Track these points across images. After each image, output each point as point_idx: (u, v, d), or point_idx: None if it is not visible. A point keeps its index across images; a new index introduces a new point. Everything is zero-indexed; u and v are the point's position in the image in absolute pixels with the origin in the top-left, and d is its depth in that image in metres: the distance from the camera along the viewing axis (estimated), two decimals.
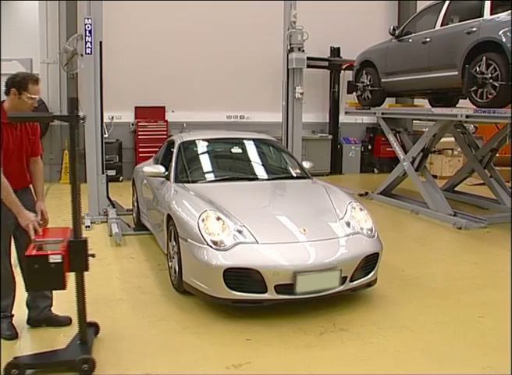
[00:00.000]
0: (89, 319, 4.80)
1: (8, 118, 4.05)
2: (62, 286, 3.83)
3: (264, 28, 12.85)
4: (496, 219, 9.10)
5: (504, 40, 7.62)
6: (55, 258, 3.75)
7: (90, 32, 8.15)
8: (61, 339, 4.40)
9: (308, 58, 10.18)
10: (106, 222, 8.31)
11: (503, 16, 7.87)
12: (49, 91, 12.83)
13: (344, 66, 14.42)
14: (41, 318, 4.62)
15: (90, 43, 8.17)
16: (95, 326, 4.49)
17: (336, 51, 14.90)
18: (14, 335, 4.41)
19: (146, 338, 4.50)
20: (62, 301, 4.73)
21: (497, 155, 10.67)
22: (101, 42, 8.28)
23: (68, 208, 9.92)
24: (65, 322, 4.66)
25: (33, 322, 4.63)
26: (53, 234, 4.24)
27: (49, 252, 3.81)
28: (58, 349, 4.12)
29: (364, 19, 14.93)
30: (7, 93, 4.24)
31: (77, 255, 3.93)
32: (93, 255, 4.10)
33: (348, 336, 4.60)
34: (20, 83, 4.23)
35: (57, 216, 8.97)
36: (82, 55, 8.52)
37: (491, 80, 7.89)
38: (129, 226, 8.21)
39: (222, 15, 13.31)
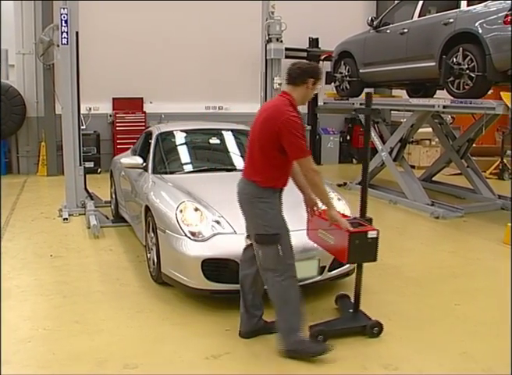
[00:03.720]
0: (67, 311, 4.81)
1: (324, 109, 4.18)
2: (375, 259, 4.22)
3: (242, 19, 12.81)
4: (472, 208, 9.21)
5: (480, 31, 7.68)
6: (372, 234, 4.15)
7: (66, 22, 8.04)
8: None
9: (287, 49, 10.20)
10: (84, 214, 8.25)
11: (480, 7, 7.93)
12: (25, 81, 12.68)
13: (323, 57, 14.42)
14: (258, 328, 4.37)
15: (67, 33, 8.06)
16: (348, 298, 4.82)
17: (314, 42, 14.90)
18: (326, 346, 4.07)
19: (125, 330, 4.49)
20: None
21: (474, 145, 10.78)
22: (77, 32, 8.17)
23: (46, 200, 9.87)
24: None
25: (249, 333, 4.35)
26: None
27: (368, 229, 4.18)
28: (340, 317, 4.62)
29: (343, 10, 14.95)
30: (299, 83, 4.02)
31: None
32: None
33: None
34: (318, 72, 4.08)
35: (35, 209, 8.94)
36: (58, 46, 8.43)
37: (467, 71, 7.96)
38: (108, 218, 8.16)
39: (200, 5, 13.21)
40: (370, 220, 4.45)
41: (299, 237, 4.98)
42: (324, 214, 4.31)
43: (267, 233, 4.01)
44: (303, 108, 15.04)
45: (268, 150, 3.95)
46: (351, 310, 4.58)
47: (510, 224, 7.24)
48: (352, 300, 4.65)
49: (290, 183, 6.23)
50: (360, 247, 4.08)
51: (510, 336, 4.34)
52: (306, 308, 4.72)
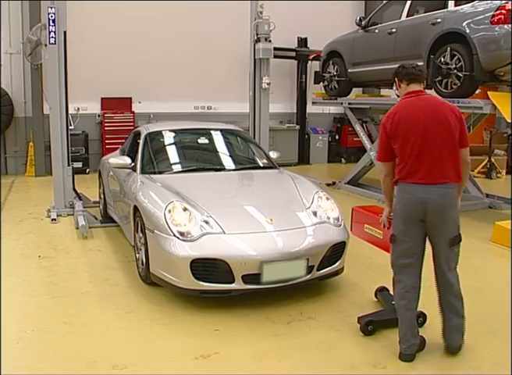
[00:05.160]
0: (55, 312, 4.79)
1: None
2: None
3: (231, 18, 12.82)
4: (460, 207, 9.20)
5: (468, 31, 7.72)
6: None
7: (53, 21, 8.00)
8: None
9: (275, 49, 10.21)
10: (73, 214, 8.22)
11: (467, 7, 7.97)
12: (13, 81, 12.60)
13: (311, 57, 14.49)
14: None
15: (54, 33, 8.01)
16: (387, 290, 4.96)
17: (303, 42, 14.95)
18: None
19: (113, 330, 4.47)
20: None
21: None
22: (65, 32, 8.13)
23: (34, 201, 9.80)
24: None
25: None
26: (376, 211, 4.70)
27: None
28: (384, 309, 4.71)
29: (331, 10, 15.00)
30: (423, 81, 4.19)
31: None
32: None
33: (316, 324, 4.64)
34: None
35: (23, 209, 8.89)
36: (46, 45, 8.37)
37: (455, 71, 8.00)
38: (96, 219, 8.13)
39: (189, 4, 13.19)
40: None
41: (286, 236, 5.03)
42: (370, 210, 4.62)
43: (459, 231, 4.20)
44: (291, 108, 15.27)
45: (457, 144, 3.97)
46: (393, 302, 4.62)
47: (501, 223, 7.30)
48: (391, 292, 4.76)
49: (269, 180, 6.32)
50: None
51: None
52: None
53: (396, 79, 4.21)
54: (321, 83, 11.84)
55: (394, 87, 4.42)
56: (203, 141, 7.18)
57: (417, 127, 3.91)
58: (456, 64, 7.97)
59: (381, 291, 5.08)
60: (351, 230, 4.85)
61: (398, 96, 4.52)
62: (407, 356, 4.04)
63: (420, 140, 3.89)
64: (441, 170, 3.92)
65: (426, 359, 4.06)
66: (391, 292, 4.85)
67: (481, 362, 4.04)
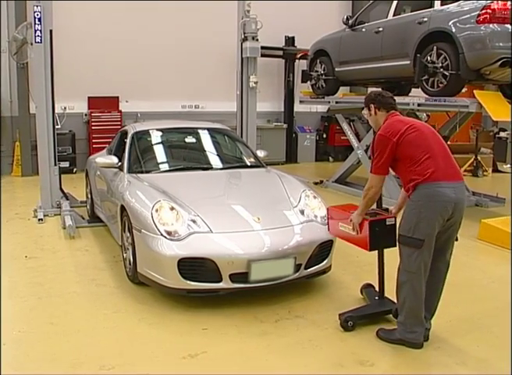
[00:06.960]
0: (42, 313, 4.76)
1: None
2: (394, 244, 4.35)
3: (218, 17, 12.79)
4: None
5: (454, 30, 7.77)
6: (390, 221, 4.39)
7: (39, 20, 7.94)
8: None
9: (263, 48, 10.21)
10: (59, 214, 8.17)
11: (453, 6, 8.03)
12: None
13: (299, 56, 14.50)
14: None
15: (40, 31, 7.95)
16: (373, 287, 5.06)
17: (290, 41, 14.96)
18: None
19: (101, 331, 4.46)
20: None
21: (448, 142, 10.88)
22: (51, 30, 8.07)
23: (21, 201, 9.71)
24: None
25: None
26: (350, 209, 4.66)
27: (386, 216, 4.42)
28: (367, 304, 4.87)
29: (319, 9, 15.01)
30: None
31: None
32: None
33: (303, 323, 4.64)
34: None
35: (9, 210, 8.83)
36: (32, 44, 8.32)
37: (441, 70, 8.04)
38: (83, 219, 8.09)
39: (176, 4, 13.14)
40: (386, 210, 4.63)
41: (273, 235, 5.04)
42: (345, 208, 4.70)
43: None
44: (279, 107, 15.28)
45: None
46: (377, 297, 4.79)
47: (487, 221, 7.35)
48: (376, 289, 4.90)
49: (256, 179, 6.33)
50: (380, 234, 4.30)
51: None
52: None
53: (372, 105, 4.33)
54: (309, 82, 11.85)
55: (365, 112, 4.46)
56: (190, 140, 7.18)
57: (426, 129, 4.15)
58: (442, 63, 8.01)
59: (366, 287, 5.12)
60: (328, 229, 4.85)
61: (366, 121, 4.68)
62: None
63: (435, 141, 4.11)
64: (457, 169, 4.14)
65: (414, 355, 4.08)
66: (376, 289, 4.89)
67: (468, 358, 4.06)
